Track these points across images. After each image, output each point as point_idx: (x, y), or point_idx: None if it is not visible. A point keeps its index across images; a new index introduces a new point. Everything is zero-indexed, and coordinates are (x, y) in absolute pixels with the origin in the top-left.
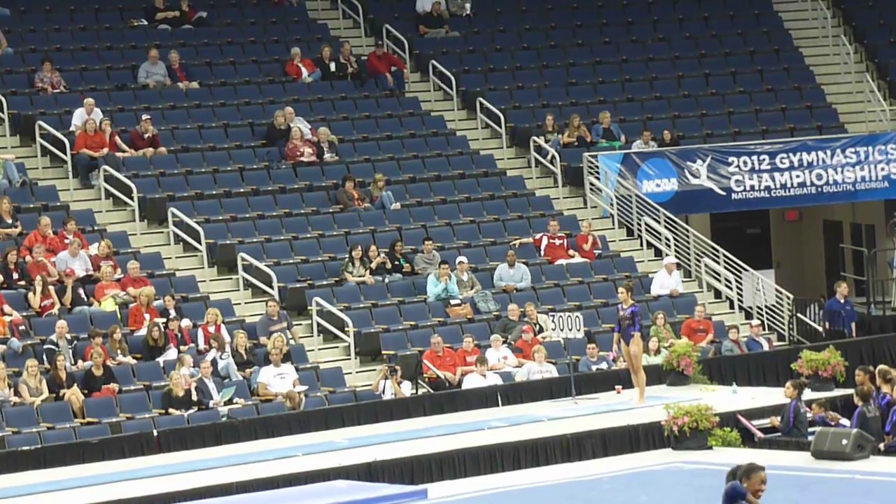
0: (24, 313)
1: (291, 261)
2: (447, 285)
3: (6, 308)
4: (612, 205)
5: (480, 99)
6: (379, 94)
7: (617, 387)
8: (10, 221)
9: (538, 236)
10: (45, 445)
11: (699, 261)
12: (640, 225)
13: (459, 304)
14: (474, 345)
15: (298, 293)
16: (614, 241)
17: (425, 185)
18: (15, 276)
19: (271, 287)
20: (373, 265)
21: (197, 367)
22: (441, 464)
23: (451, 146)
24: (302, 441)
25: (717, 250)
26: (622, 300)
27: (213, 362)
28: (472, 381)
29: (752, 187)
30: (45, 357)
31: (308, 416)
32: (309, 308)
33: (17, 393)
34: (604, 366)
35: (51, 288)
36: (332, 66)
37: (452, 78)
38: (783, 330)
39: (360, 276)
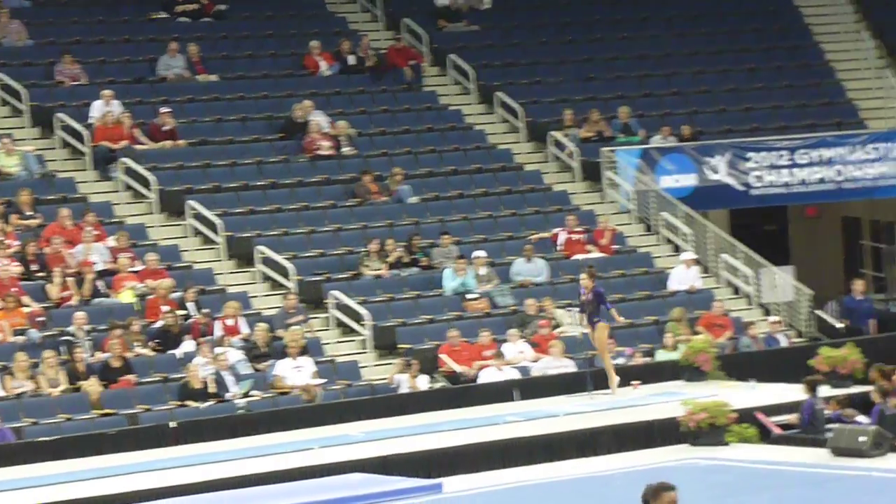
0: (43, 305)
1: (309, 254)
2: (464, 279)
3: (25, 299)
4: (630, 200)
5: (498, 93)
6: (397, 87)
7: (634, 382)
8: (29, 213)
9: (555, 231)
10: (62, 436)
11: (717, 257)
12: (658, 220)
13: (476, 299)
14: (491, 339)
15: (315, 286)
16: (632, 236)
17: (443, 180)
18: (34, 267)
19: (288, 280)
20: (390, 259)
21: (212, 360)
22: (456, 458)
23: (469, 140)
24: (318, 434)
25: (735, 246)
26: (584, 285)
27: (230, 356)
28: (489, 376)
29: (771, 183)
30: (63, 348)
31: (324, 409)
32: (326, 301)
33: (35, 384)
34: (620, 361)
35: (69, 279)
36: (351, 60)
37: (471, 72)
38: (801, 326)
39: (377, 270)
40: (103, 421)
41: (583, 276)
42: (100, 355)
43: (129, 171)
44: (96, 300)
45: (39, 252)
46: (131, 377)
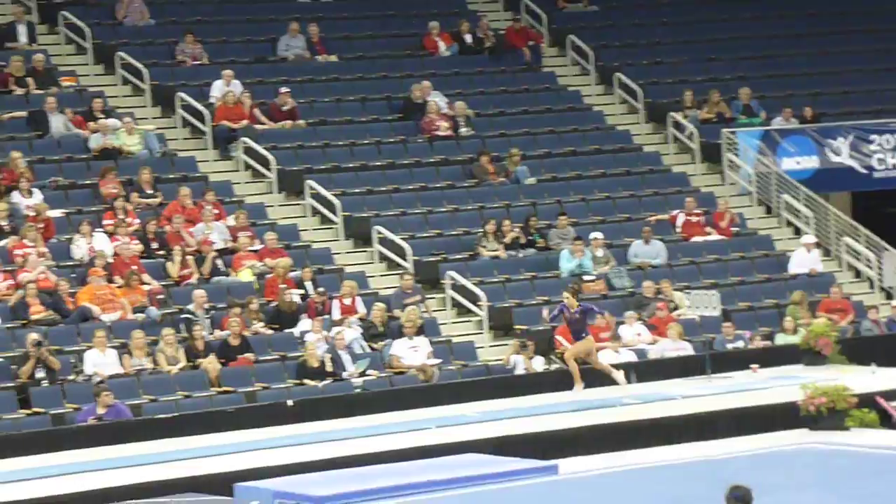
0: (163, 283)
1: (426, 234)
2: (581, 261)
3: (145, 277)
4: (750, 182)
5: (618, 74)
6: (516, 68)
7: (753, 366)
8: (150, 192)
9: (674, 213)
10: (181, 413)
11: (839, 240)
12: (779, 203)
13: (593, 280)
14: (608, 321)
15: (432, 267)
16: (752, 218)
17: (561, 160)
18: (154, 245)
19: (405, 260)
20: (507, 240)
21: (329, 340)
22: (572, 440)
23: (588, 121)
24: (434, 414)
25: (857, 229)
26: (568, 304)
27: (347, 335)
28: (606, 358)
29: (894, 166)
30: (182, 326)
31: (440, 389)
32: (442, 282)
33: (154, 361)
34: (740, 344)
35: (189, 258)
36: (470, 40)
37: (590, 52)
38: None
39: (493, 251)
40: (221, 398)
41: (566, 294)
42: (218, 333)
43: (249, 151)
44: (215, 278)
45: (160, 230)
46: (250, 355)
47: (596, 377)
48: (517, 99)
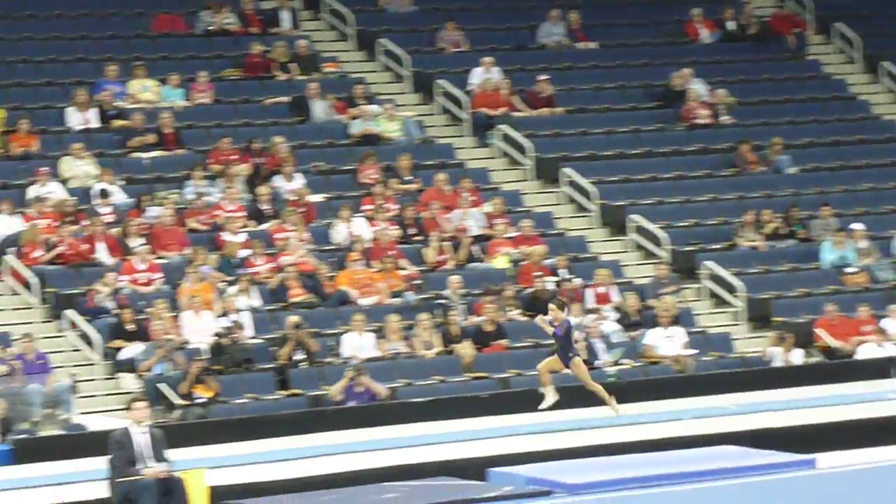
0: (420, 268)
1: (683, 224)
2: (843, 252)
3: (402, 262)
4: None
5: (884, 63)
6: (779, 56)
7: None
8: (408, 178)
9: None
10: (436, 398)
11: None
12: None
13: (856, 273)
14: (870, 314)
15: (689, 256)
16: None
17: (824, 150)
18: (411, 231)
19: (661, 249)
20: (766, 230)
21: (584, 328)
22: (831, 434)
23: (852, 111)
24: (688, 405)
25: None
26: (554, 317)
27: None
28: (867, 351)
29: None
30: (437, 311)
31: (695, 380)
32: (698, 271)
33: (409, 346)
34: None
35: (446, 244)
36: (733, 27)
37: (856, 40)
38: None
39: (752, 241)
40: (476, 384)
41: (552, 306)
42: (473, 319)
43: (506, 138)
44: (471, 265)
45: (417, 216)
46: (504, 341)
47: (860, 372)
48: (780, 87)
